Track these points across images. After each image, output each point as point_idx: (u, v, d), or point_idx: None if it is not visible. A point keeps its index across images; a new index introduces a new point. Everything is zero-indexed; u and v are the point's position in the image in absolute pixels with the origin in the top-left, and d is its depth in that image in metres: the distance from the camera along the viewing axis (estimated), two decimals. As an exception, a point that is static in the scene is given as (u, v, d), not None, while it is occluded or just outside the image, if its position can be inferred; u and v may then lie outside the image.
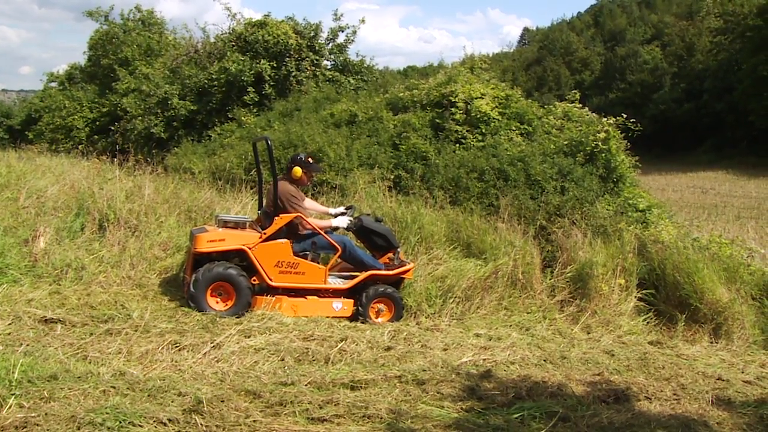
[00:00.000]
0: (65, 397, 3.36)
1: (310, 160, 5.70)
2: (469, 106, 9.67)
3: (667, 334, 6.28)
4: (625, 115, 9.23)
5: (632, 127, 9.16)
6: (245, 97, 14.12)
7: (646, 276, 6.87)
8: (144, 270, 5.90)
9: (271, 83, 14.36)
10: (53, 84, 28.89)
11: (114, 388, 3.51)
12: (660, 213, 8.56)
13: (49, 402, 3.29)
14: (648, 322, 6.50)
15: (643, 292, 6.77)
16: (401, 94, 10.81)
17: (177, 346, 4.28)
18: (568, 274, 6.73)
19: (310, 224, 5.48)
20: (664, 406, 4.17)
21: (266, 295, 5.35)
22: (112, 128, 17.90)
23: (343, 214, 5.92)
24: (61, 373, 3.64)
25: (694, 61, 41.02)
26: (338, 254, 5.61)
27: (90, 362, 3.95)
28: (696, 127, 38.12)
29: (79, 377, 3.62)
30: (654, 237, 7.32)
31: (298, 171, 5.54)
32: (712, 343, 6.18)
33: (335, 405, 3.60)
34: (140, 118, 15.39)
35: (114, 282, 5.63)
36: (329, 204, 7.53)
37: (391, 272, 5.71)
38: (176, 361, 4.07)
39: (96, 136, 20.75)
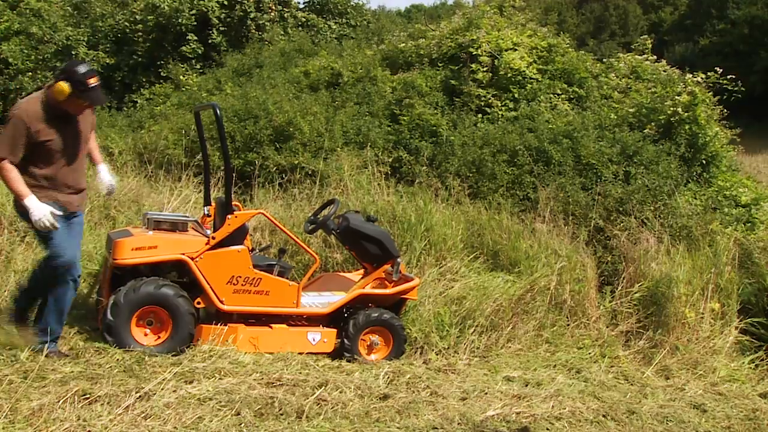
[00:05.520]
0: None
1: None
2: (496, 62, 9.69)
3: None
4: (720, 69, 9.22)
5: (731, 87, 9.17)
6: (184, 48, 14.11)
7: (752, 299, 6.90)
8: (40, 291, 5.86)
9: (221, 28, 14.36)
10: None
11: (-12, 464, 3.47)
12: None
13: None
14: (757, 366, 6.51)
15: (748, 321, 6.79)
16: (402, 46, 10.82)
17: (86, 398, 4.23)
18: (636, 295, 6.76)
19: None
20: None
21: (215, 324, 5.35)
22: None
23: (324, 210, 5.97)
24: None
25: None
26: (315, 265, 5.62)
27: (-50, 428, 3.87)
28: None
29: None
30: (764, 243, 7.38)
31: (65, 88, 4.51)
32: None
33: (311, 476, 3.63)
34: (30, 73, 15.27)
35: (-7, 308, 5.60)
36: (305, 198, 7.55)
37: (388, 291, 5.74)
38: (85, 420, 4.00)
39: (-43, 98, 20.60)
